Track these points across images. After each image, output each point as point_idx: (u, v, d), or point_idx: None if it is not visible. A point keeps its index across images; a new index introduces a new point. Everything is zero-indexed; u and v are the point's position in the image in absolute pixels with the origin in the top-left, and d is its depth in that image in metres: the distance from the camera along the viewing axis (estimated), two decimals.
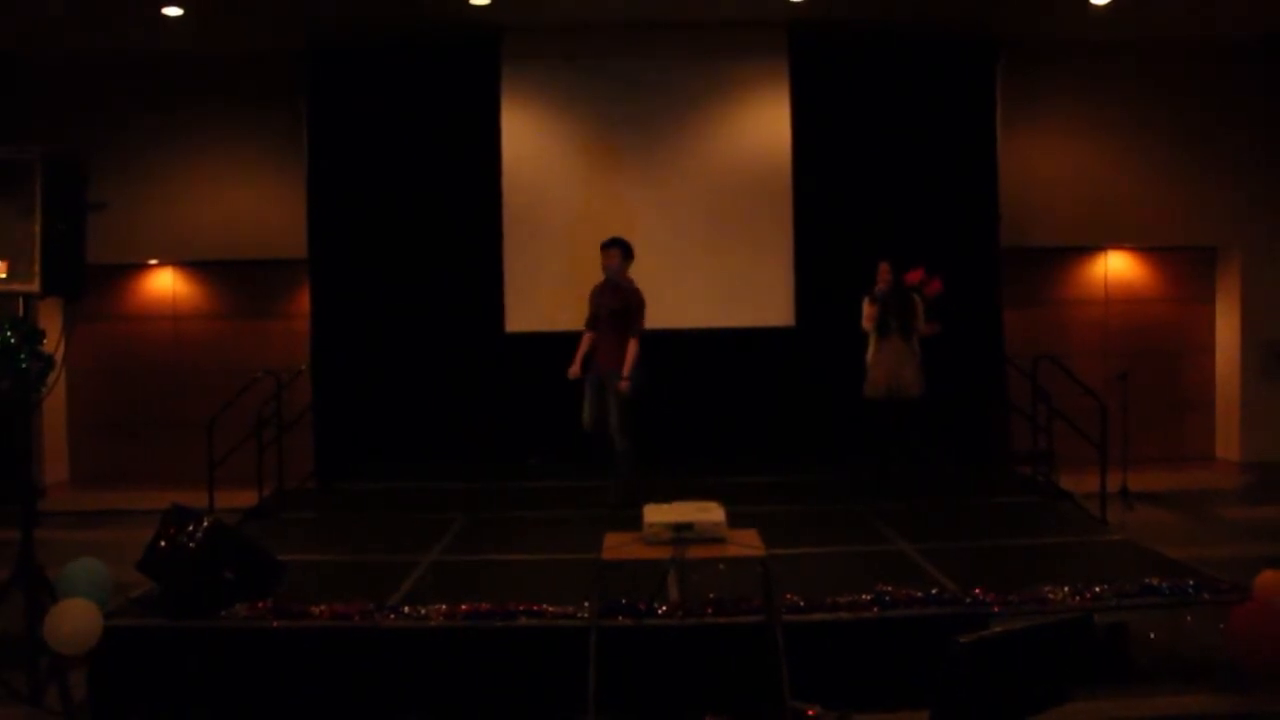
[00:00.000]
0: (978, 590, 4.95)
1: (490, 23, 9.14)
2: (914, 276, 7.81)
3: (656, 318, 7.50)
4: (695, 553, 4.18)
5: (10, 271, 4.59)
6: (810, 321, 9.28)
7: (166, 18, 8.57)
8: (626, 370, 6.95)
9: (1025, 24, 9.30)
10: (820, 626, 4.70)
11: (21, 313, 4.74)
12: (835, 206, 9.33)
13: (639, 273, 7.36)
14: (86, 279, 4.92)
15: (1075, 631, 3.08)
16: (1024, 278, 10.12)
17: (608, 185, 9.39)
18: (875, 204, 9.30)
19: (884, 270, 7.79)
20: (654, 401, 7.48)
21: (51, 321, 5.35)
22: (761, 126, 9.40)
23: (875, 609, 4.79)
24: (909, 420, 7.74)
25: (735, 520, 4.40)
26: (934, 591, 4.96)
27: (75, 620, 4.34)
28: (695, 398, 8.97)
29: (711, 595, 4.89)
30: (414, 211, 9.41)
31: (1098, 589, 4.95)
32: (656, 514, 4.27)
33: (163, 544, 5.01)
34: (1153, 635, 4.83)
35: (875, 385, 7.78)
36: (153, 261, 10.37)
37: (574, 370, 7.20)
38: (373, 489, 8.32)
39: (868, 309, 7.83)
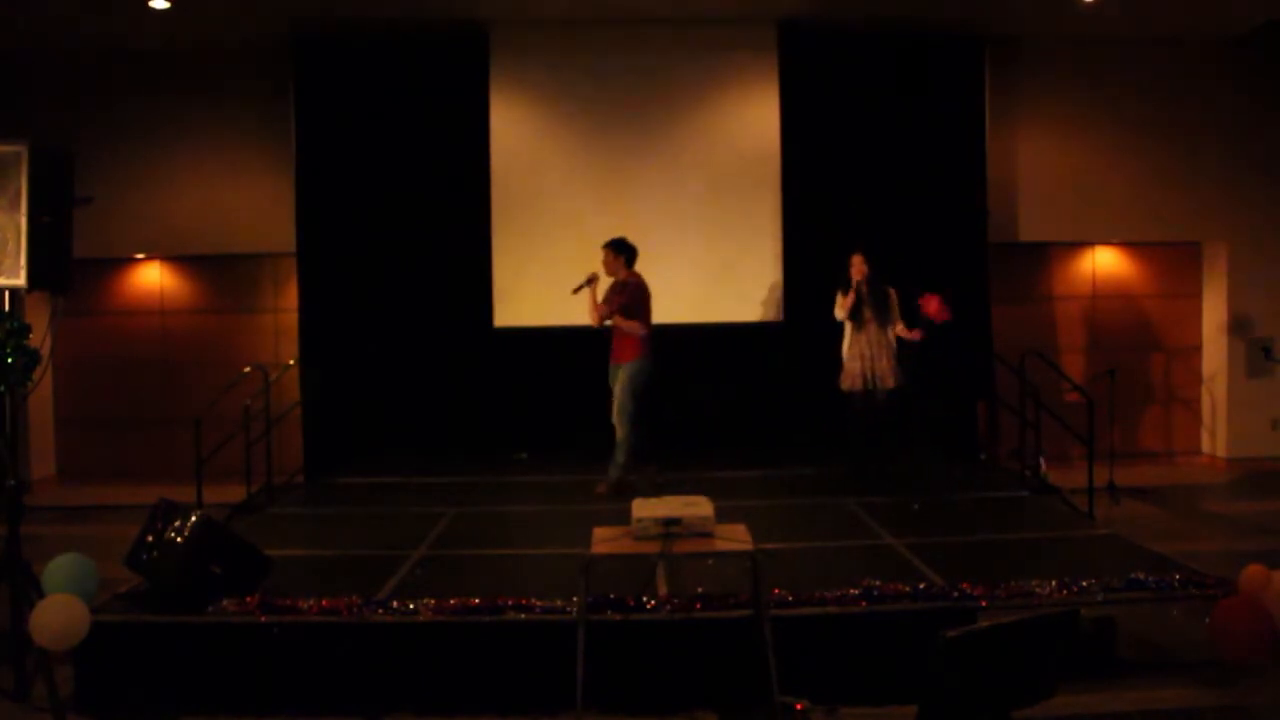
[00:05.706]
0: (965, 585, 4.96)
1: (479, 15, 9.12)
2: (930, 308, 7.63)
3: None
4: (683, 547, 4.19)
5: None
6: (799, 316, 9.27)
7: (153, 10, 8.53)
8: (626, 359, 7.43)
9: (1013, 20, 9.32)
10: (808, 621, 4.71)
11: (8, 307, 4.73)
12: (824, 202, 9.34)
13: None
14: (73, 273, 4.91)
15: (1061, 626, 3.09)
16: (1011, 274, 10.14)
17: (595, 180, 9.37)
18: (864, 200, 9.30)
19: (857, 261, 7.81)
20: (645, 396, 7.50)
21: (38, 316, 5.31)
22: (750, 122, 9.40)
23: (863, 603, 4.80)
24: (886, 413, 7.71)
25: (723, 515, 4.42)
26: (921, 586, 4.98)
27: (62, 616, 4.32)
28: (684, 392, 8.97)
29: (700, 590, 4.89)
30: (402, 206, 9.38)
31: (1084, 583, 4.98)
32: (645, 509, 4.28)
33: (150, 539, 5.00)
34: (1139, 629, 4.85)
35: (852, 377, 7.73)
36: (140, 256, 10.31)
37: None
38: (361, 483, 8.30)
39: (840, 299, 7.81)
